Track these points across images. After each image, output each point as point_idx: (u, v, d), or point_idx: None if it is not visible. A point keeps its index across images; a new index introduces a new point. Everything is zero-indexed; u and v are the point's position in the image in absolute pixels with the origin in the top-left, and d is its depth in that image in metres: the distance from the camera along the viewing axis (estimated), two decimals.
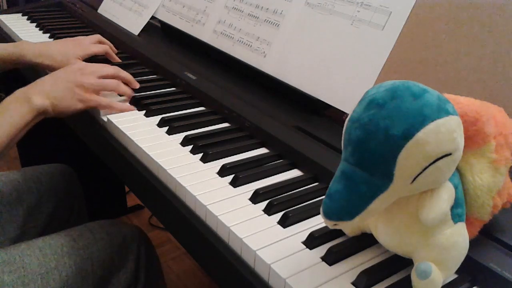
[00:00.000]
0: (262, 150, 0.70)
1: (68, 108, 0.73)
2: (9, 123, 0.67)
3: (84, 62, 0.87)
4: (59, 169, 0.98)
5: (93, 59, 0.94)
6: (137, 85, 0.84)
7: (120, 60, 0.98)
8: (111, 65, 0.83)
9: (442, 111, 0.39)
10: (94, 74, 0.77)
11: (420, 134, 0.38)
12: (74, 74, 0.76)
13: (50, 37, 1.13)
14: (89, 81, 0.75)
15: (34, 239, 0.73)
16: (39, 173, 0.94)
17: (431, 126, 0.38)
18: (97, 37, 0.98)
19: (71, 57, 0.89)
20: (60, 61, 0.88)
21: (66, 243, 0.73)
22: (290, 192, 0.59)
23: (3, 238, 0.83)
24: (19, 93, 0.71)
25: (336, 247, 0.49)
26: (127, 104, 0.80)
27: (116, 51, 1.00)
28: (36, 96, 0.70)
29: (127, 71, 0.83)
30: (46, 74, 0.82)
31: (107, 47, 0.96)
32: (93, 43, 0.96)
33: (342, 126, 0.43)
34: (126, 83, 0.82)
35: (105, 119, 0.76)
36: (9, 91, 0.71)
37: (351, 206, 0.40)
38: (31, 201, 0.89)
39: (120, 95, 0.82)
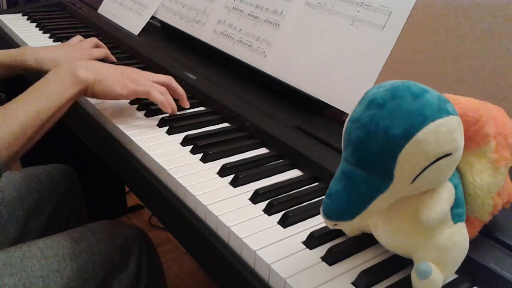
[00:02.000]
0: (262, 150, 0.70)
1: (110, 86, 0.72)
2: (52, 96, 0.67)
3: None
4: (59, 169, 0.98)
5: None
6: (187, 105, 0.79)
7: (116, 60, 0.98)
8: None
9: (442, 111, 0.39)
10: (146, 75, 0.77)
11: (420, 134, 0.38)
12: (123, 68, 0.77)
13: (50, 37, 1.13)
14: (137, 76, 0.75)
15: (35, 240, 0.73)
16: (39, 173, 0.94)
17: (431, 126, 0.38)
18: (95, 40, 0.97)
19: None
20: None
21: (67, 245, 0.73)
22: (290, 192, 0.59)
23: (4, 238, 0.83)
24: (64, 66, 0.71)
25: (336, 247, 0.49)
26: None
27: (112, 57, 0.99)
28: (82, 70, 0.70)
29: None
30: None
31: (106, 50, 0.96)
32: (92, 47, 0.95)
33: (342, 126, 0.43)
34: (176, 98, 0.78)
35: (105, 119, 0.76)
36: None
37: (351, 206, 0.40)
38: (31, 201, 0.88)
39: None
